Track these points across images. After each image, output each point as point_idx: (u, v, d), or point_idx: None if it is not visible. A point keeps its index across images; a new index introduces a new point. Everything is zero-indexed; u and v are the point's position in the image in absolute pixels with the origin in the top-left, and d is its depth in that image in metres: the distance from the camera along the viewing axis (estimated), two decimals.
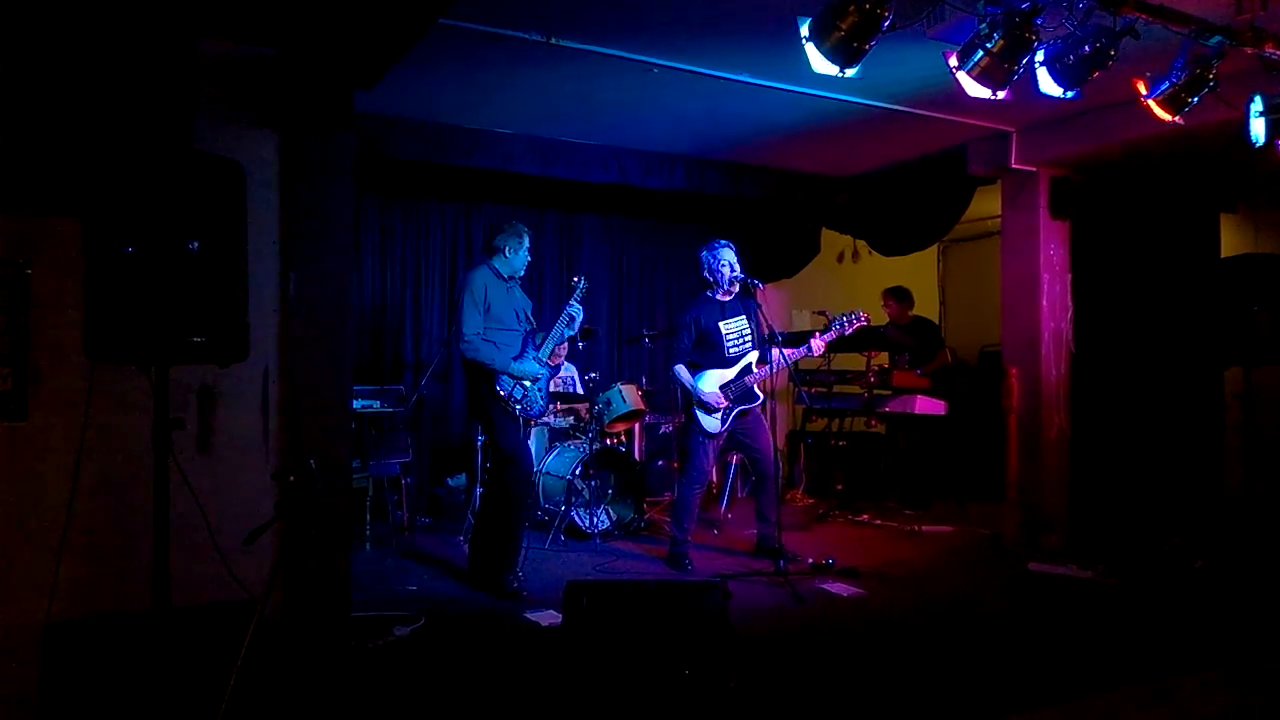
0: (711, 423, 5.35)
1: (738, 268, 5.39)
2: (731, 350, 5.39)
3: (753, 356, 5.40)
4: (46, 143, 3.22)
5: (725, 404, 5.32)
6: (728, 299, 5.46)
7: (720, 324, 5.39)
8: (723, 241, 5.46)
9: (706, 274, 5.45)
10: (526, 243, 4.98)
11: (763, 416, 5.53)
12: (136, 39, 3.36)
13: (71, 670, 3.08)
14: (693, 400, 5.40)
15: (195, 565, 3.22)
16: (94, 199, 2.63)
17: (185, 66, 3.47)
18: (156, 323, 2.60)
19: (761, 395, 5.48)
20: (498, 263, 4.94)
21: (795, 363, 5.28)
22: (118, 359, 2.67)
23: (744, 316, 5.45)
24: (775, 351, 5.19)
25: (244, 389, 3.59)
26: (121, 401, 3.28)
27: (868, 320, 5.42)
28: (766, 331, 5.29)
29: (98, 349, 2.62)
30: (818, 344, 5.31)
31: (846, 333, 5.33)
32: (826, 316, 6.19)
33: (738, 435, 5.47)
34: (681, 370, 5.44)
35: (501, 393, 4.77)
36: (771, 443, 5.50)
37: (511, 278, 4.98)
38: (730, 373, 5.37)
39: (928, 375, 7.32)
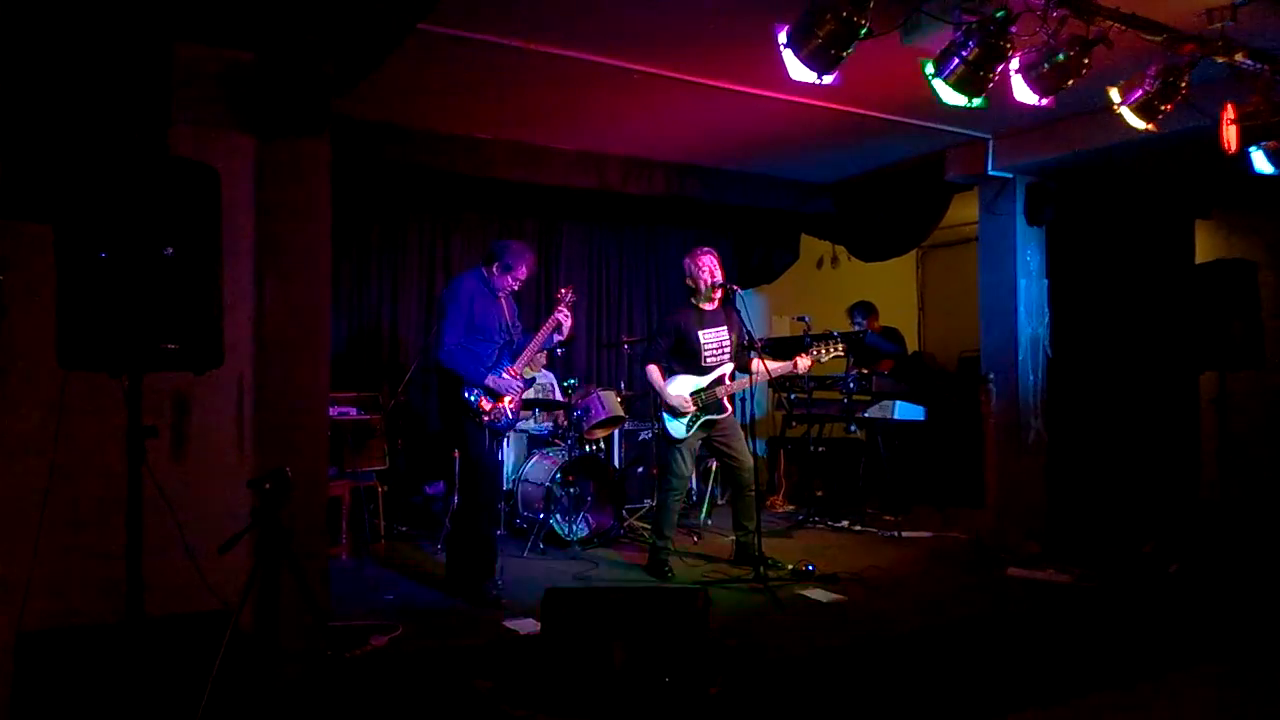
0: (676, 427, 5.34)
1: (720, 274, 5.39)
2: (708, 360, 5.37)
3: (727, 369, 5.40)
4: (19, 147, 3.18)
5: (691, 410, 5.32)
6: (710, 308, 5.45)
7: (700, 333, 5.37)
8: (705, 249, 5.46)
9: (690, 281, 5.44)
10: (525, 265, 4.97)
11: (738, 425, 5.53)
12: (112, 43, 3.33)
13: (44, 681, 3.04)
14: (661, 403, 5.40)
15: (169, 574, 3.18)
16: (67, 204, 2.59)
17: (161, 70, 3.45)
18: (130, 330, 2.57)
19: (730, 407, 5.48)
20: (492, 273, 4.94)
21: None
22: (90, 366, 2.63)
23: (725, 327, 5.43)
24: (756, 362, 5.19)
25: (219, 396, 3.56)
26: (95, 409, 3.23)
27: (843, 352, 5.47)
28: (747, 340, 5.29)
29: (70, 356, 2.58)
30: (804, 361, 5.33)
31: (822, 360, 5.37)
32: (806, 324, 6.22)
33: (714, 443, 5.46)
34: (653, 370, 5.42)
35: (469, 399, 4.77)
36: (748, 451, 5.49)
37: (502, 290, 4.99)
38: (703, 381, 5.36)
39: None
